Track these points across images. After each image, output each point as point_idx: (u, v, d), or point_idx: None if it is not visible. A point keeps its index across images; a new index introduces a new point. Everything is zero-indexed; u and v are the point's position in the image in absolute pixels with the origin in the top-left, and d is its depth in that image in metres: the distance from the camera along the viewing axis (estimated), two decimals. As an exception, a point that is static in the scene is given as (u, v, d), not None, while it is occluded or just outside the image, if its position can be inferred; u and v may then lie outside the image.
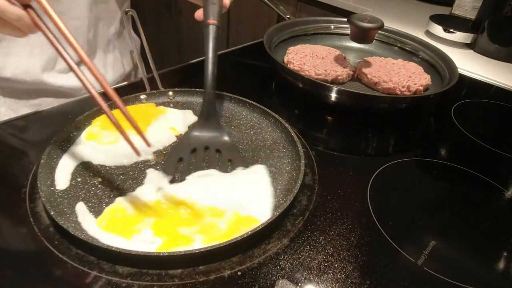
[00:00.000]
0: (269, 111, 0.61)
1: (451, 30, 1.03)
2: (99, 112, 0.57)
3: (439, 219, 0.51)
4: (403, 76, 0.73)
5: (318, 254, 0.43)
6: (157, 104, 0.64)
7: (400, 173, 0.58)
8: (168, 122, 0.60)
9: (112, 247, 0.38)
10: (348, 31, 0.75)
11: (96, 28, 0.74)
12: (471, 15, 1.11)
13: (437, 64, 0.81)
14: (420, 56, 0.86)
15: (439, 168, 0.60)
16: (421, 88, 0.72)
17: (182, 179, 0.50)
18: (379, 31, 0.85)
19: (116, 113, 0.41)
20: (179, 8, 2.03)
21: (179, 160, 0.53)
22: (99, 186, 0.48)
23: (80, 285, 0.38)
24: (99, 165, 0.52)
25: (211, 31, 0.54)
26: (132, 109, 0.61)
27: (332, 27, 0.92)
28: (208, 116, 0.57)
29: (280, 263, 0.41)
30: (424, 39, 0.88)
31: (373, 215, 0.49)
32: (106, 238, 0.41)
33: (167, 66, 0.79)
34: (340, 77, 0.75)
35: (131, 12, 0.61)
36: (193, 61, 0.83)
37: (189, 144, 0.56)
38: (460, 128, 0.70)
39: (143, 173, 0.51)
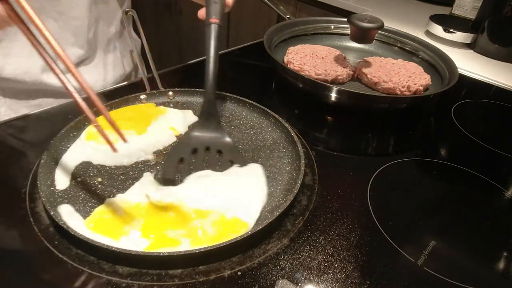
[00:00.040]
0: (269, 111, 0.61)
1: (451, 30, 1.03)
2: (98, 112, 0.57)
3: (439, 219, 0.51)
4: (403, 76, 0.73)
5: (318, 254, 0.43)
6: (157, 104, 0.64)
7: (400, 173, 0.58)
8: (168, 122, 0.60)
9: (112, 247, 0.38)
10: (348, 31, 0.75)
11: (96, 28, 0.74)
12: (471, 15, 1.11)
13: (437, 64, 0.81)
14: (420, 56, 0.86)
15: (439, 168, 0.60)
16: (421, 88, 0.72)
17: (182, 180, 0.50)
18: (379, 31, 0.85)
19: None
20: (179, 8, 2.04)
21: (179, 160, 0.53)
22: (99, 186, 0.48)
23: (80, 285, 0.38)
24: (99, 165, 0.52)
25: (213, 30, 0.54)
26: (132, 109, 0.61)
27: (332, 27, 0.92)
28: (208, 116, 0.57)
29: (280, 263, 0.41)
30: (424, 39, 0.88)
31: (373, 215, 0.49)
32: (93, 239, 0.40)
33: (167, 66, 0.79)
34: (340, 77, 0.75)
35: (131, 12, 0.61)
36: (193, 61, 0.83)
37: (189, 144, 0.56)
38: (460, 128, 0.70)
39: (143, 173, 0.51)
